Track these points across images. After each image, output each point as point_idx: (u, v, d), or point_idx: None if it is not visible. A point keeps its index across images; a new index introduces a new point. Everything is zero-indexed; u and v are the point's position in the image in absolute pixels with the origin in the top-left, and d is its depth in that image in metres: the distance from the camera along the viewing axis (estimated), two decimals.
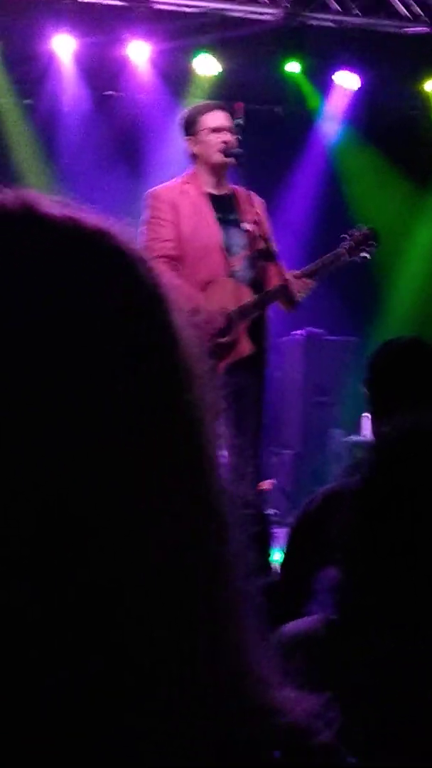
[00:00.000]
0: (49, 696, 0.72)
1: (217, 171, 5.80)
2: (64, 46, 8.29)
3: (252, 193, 5.80)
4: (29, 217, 0.79)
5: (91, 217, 0.81)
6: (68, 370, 0.75)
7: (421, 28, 8.74)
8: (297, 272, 5.75)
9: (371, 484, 1.66)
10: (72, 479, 0.74)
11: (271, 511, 7.63)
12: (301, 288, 5.70)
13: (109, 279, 0.79)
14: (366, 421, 6.96)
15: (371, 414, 3.12)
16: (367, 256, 5.92)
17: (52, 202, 0.81)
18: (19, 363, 0.75)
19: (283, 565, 3.09)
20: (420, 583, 1.58)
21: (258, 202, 5.84)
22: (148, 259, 0.82)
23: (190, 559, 0.77)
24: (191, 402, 0.79)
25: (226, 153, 5.70)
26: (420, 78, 8.98)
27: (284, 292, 5.62)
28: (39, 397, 0.74)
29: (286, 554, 3.06)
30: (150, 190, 5.90)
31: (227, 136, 5.72)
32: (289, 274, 5.68)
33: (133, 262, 0.80)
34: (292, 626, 1.80)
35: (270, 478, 8.27)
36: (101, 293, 0.77)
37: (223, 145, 5.68)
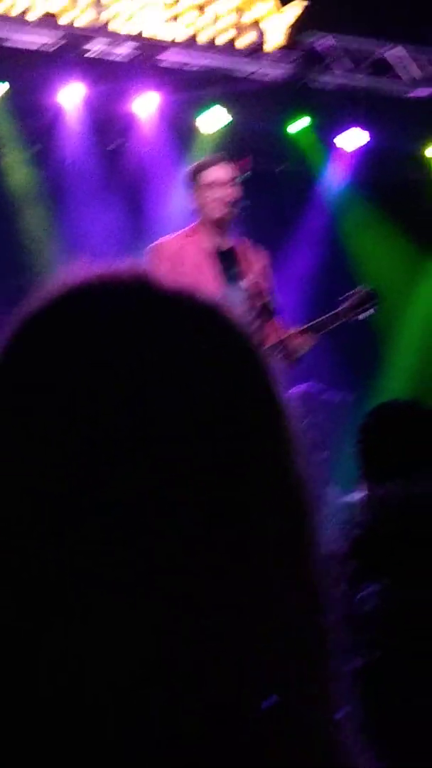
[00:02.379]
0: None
1: (218, 225, 5.78)
2: (71, 99, 8.35)
3: (255, 246, 5.80)
4: (146, 291, 0.81)
5: (200, 292, 0.82)
6: (188, 440, 0.75)
7: (425, 92, 8.83)
8: (296, 329, 5.75)
9: (362, 547, 1.63)
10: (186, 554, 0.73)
11: None
12: (300, 345, 5.69)
13: (223, 352, 0.80)
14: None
15: (362, 476, 3.07)
16: (365, 316, 5.92)
17: (162, 276, 0.82)
18: (145, 438, 0.75)
19: None
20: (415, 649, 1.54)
21: (261, 255, 5.84)
22: (254, 334, 0.83)
23: (299, 630, 0.77)
24: (299, 466, 0.80)
25: (227, 206, 5.69)
26: (422, 142, 9.06)
27: (282, 349, 5.61)
28: (171, 471, 0.74)
29: None
30: (151, 245, 5.91)
31: (227, 191, 5.70)
32: (291, 331, 5.68)
33: (244, 337, 0.81)
34: None
35: None
36: (216, 367, 0.78)
37: (222, 200, 5.68)
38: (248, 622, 0.74)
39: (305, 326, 5.79)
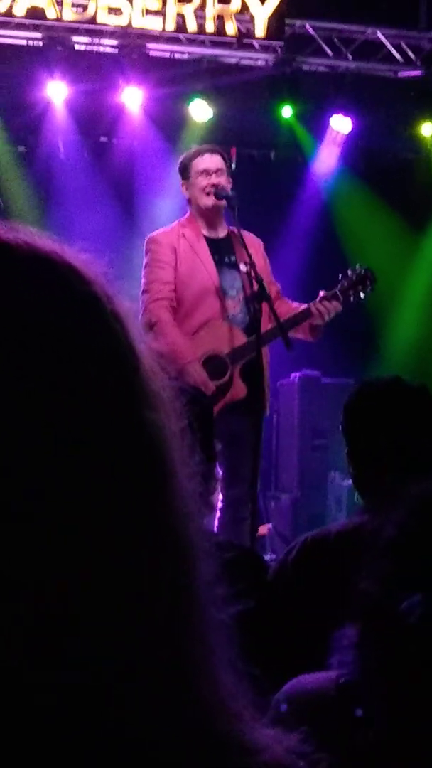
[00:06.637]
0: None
1: (208, 213, 5.83)
2: (58, 94, 8.33)
3: (250, 234, 5.82)
4: None
5: (45, 241, 0.81)
6: (18, 385, 0.73)
7: (413, 72, 8.81)
8: (318, 300, 5.80)
9: (410, 539, 1.53)
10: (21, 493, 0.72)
11: (269, 556, 7.58)
12: (327, 311, 5.74)
13: (63, 298, 0.78)
14: None
15: (348, 456, 3.03)
16: (362, 296, 5.92)
17: (6, 228, 0.81)
18: None
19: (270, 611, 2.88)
20: None
21: (256, 243, 5.86)
22: (105, 282, 0.81)
23: (151, 584, 0.74)
24: (153, 422, 0.77)
25: (216, 195, 5.72)
26: (414, 121, 9.03)
27: (299, 323, 5.68)
28: None
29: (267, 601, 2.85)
30: (150, 234, 5.94)
31: (215, 179, 5.75)
32: (311, 304, 5.75)
33: (88, 283, 0.80)
34: (300, 682, 1.71)
35: (268, 523, 8.21)
36: (55, 312, 0.77)
37: (210, 187, 5.71)
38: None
39: (325, 294, 5.83)
